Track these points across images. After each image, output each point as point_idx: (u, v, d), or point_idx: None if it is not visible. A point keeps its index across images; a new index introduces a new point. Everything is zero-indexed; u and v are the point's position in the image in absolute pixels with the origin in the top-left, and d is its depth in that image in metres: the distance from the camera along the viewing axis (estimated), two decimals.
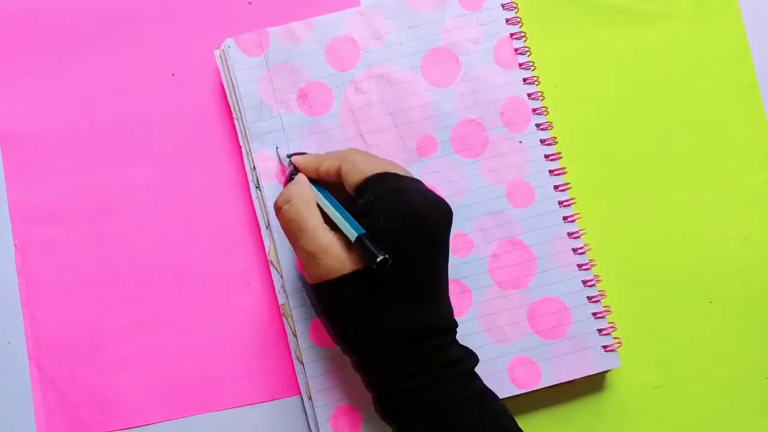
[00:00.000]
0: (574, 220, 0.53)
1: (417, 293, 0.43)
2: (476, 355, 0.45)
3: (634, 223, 0.55)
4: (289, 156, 0.50)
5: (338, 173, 0.46)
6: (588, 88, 0.56)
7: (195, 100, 0.54)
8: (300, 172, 0.48)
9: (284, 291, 0.52)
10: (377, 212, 0.43)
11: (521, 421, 0.45)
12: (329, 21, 0.53)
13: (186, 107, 0.54)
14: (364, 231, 0.42)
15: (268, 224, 0.52)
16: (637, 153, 0.56)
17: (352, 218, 0.43)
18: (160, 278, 0.53)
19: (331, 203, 0.45)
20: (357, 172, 0.45)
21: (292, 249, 0.51)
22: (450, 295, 0.46)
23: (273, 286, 0.52)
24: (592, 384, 0.54)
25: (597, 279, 0.53)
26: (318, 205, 0.46)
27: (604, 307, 0.53)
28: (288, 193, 0.46)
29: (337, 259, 0.43)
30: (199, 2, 0.55)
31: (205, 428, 0.52)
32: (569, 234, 0.53)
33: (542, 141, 0.53)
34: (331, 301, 0.44)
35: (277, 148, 0.52)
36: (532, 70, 0.54)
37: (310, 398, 0.51)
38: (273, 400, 0.53)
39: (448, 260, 0.45)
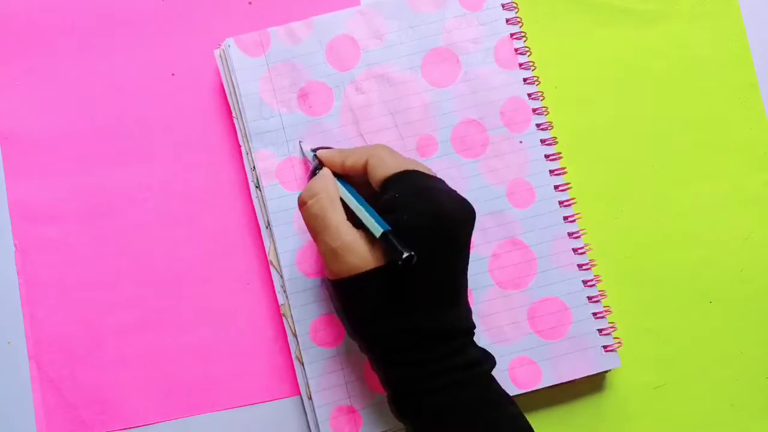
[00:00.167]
0: (574, 220, 0.53)
1: (438, 293, 0.43)
2: (493, 358, 0.45)
3: (634, 223, 0.55)
4: (314, 150, 0.50)
5: (364, 168, 0.46)
6: (588, 88, 0.56)
7: (195, 100, 0.54)
8: (324, 166, 0.48)
9: (284, 291, 0.52)
10: (402, 209, 0.43)
11: None
12: (329, 21, 0.53)
13: (186, 107, 0.54)
14: (389, 227, 0.42)
15: (268, 224, 0.52)
16: (637, 153, 0.56)
17: (377, 214, 0.43)
18: (160, 278, 0.53)
19: (355, 198, 0.45)
20: (383, 168, 0.45)
21: (291, 249, 0.51)
22: None
23: (273, 286, 0.52)
24: (592, 384, 0.54)
25: (597, 279, 0.53)
26: (341, 201, 0.45)
27: (604, 307, 0.53)
28: (313, 187, 0.45)
29: (360, 256, 0.43)
30: (199, 2, 0.55)
31: (205, 428, 0.52)
32: (569, 234, 0.53)
33: (542, 141, 0.53)
34: (351, 297, 0.44)
35: (300, 142, 0.52)
36: (532, 70, 0.54)
37: (309, 398, 0.51)
38: (273, 400, 0.53)
39: (468, 261, 0.45)
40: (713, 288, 0.55)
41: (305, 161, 0.52)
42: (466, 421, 0.42)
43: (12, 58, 0.54)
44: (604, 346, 0.52)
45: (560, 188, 0.53)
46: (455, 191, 0.45)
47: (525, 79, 0.54)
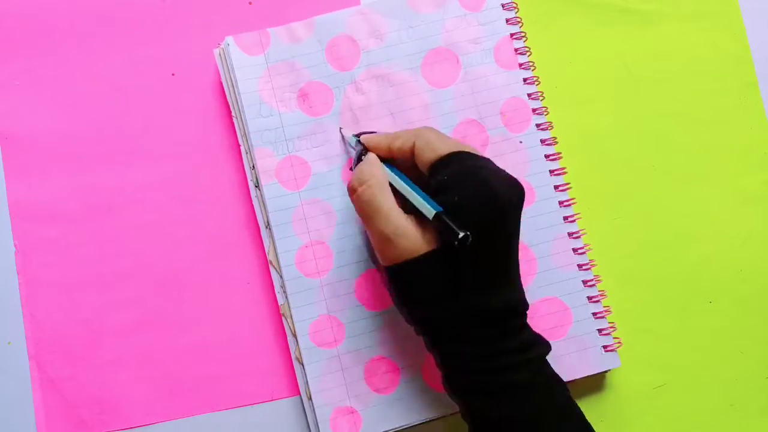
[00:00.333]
0: (574, 220, 0.53)
1: (493, 273, 0.43)
2: (548, 343, 0.45)
3: (634, 223, 0.55)
4: (356, 135, 0.50)
5: (411, 151, 0.46)
6: (588, 88, 0.56)
7: (195, 100, 0.54)
8: (369, 151, 0.48)
9: (284, 291, 0.52)
10: (453, 190, 0.42)
11: None
12: (329, 20, 0.53)
13: (186, 107, 0.54)
14: (441, 209, 0.42)
15: (268, 224, 0.52)
16: (637, 153, 0.56)
17: (428, 196, 0.43)
18: (160, 278, 0.53)
19: (404, 182, 0.45)
20: (432, 150, 0.45)
21: (291, 249, 0.51)
22: None
23: (273, 286, 0.52)
24: (592, 384, 0.54)
25: (597, 279, 0.53)
26: (390, 185, 0.45)
27: (604, 307, 0.53)
28: (361, 174, 0.45)
29: (413, 240, 0.43)
30: (199, 2, 0.55)
31: (205, 428, 0.52)
32: (569, 234, 0.53)
33: (542, 141, 0.53)
34: (406, 282, 0.44)
35: (341, 128, 0.52)
36: (532, 70, 0.54)
37: (309, 399, 0.51)
38: (273, 400, 0.53)
39: (518, 241, 0.45)
40: (713, 288, 0.55)
41: (347, 148, 0.52)
42: (521, 403, 0.42)
43: (12, 58, 0.54)
44: (604, 346, 0.52)
45: (560, 188, 0.53)
46: (504, 171, 0.45)
47: (525, 79, 0.54)
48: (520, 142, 0.53)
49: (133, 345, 0.52)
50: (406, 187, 0.44)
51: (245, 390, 0.52)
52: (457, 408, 0.50)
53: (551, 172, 0.53)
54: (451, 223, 0.41)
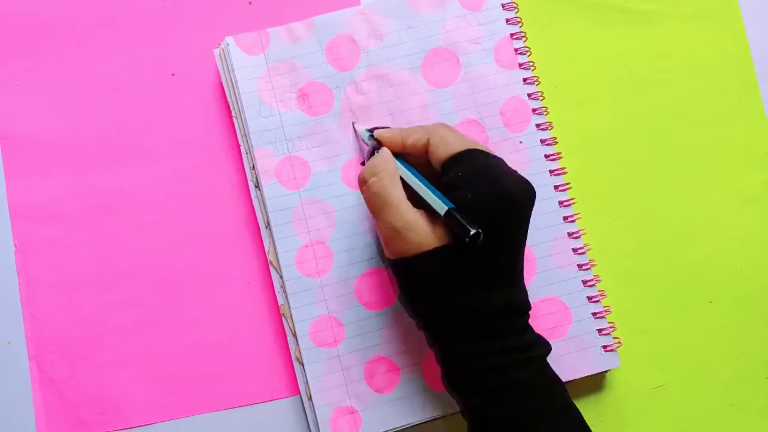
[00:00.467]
0: (574, 220, 0.53)
1: (499, 273, 0.43)
2: (549, 344, 0.45)
3: (634, 223, 0.55)
4: (370, 130, 0.50)
5: (425, 147, 0.46)
6: (588, 88, 0.56)
7: (195, 100, 0.54)
8: (383, 146, 0.48)
9: (284, 291, 0.52)
10: (466, 187, 0.42)
11: None
12: (329, 21, 0.53)
13: (186, 107, 0.54)
14: (453, 205, 0.42)
15: (268, 224, 0.52)
16: (637, 153, 0.56)
17: (439, 192, 0.43)
18: (160, 278, 0.53)
19: (417, 177, 0.45)
20: (446, 146, 0.45)
21: (291, 249, 0.51)
22: None
23: (273, 286, 0.52)
24: (592, 384, 0.54)
25: (597, 279, 0.53)
26: (401, 180, 0.45)
27: (604, 307, 0.53)
28: (373, 166, 0.45)
29: (422, 235, 0.43)
30: (199, 2, 0.55)
31: (205, 428, 0.52)
32: (569, 234, 0.53)
33: (542, 141, 0.53)
34: (413, 276, 0.44)
35: (353, 123, 0.52)
36: (532, 70, 0.54)
37: (309, 399, 0.51)
38: (273, 400, 0.53)
39: (526, 242, 0.45)
40: (713, 288, 0.55)
41: (361, 143, 0.52)
42: (520, 403, 0.42)
43: (12, 58, 0.54)
44: (604, 346, 0.52)
45: (560, 188, 0.53)
46: (516, 171, 0.45)
47: (525, 79, 0.54)
48: (520, 142, 0.53)
49: (133, 345, 0.52)
50: (418, 182, 0.44)
51: (245, 390, 0.52)
52: (457, 408, 0.50)
53: (551, 172, 0.53)
54: (462, 220, 0.41)
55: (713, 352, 0.54)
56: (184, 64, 0.55)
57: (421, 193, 0.44)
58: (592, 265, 0.53)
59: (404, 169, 0.46)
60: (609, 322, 0.52)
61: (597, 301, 0.52)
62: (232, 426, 0.52)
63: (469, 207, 0.42)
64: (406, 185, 0.45)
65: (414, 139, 0.47)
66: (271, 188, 0.52)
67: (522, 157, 0.53)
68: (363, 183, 0.46)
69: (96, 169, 0.54)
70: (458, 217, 0.41)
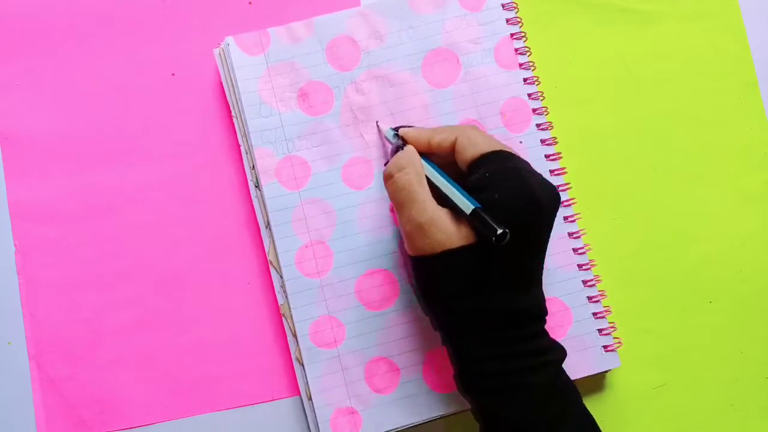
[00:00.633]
0: (574, 220, 0.53)
1: (520, 275, 0.43)
2: (565, 350, 0.45)
3: (634, 223, 0.55)
4: (394, 129, 0.50)
5: (451, 147, 0.46)
6: (588, 88, 0.56)
7: (195, 100, 0.54)
8: (407, 144, 0.48)
9: (284, 291, 0.52)
10: (493, 188, 0.42)
11: None
12: (329, 21, 0.53)
13: (186, 107, 0.54)
14: (480, 205, 0.42)
15: (268, 224, 0.52)
16: (637, 153, 0.56)
17: (465, 192, 0.43)
18: (160, 278, 0.53)
19: (442, 176, 0.45)
20: (473, 147, 0.45)
21: (291, 249, 0.51)
22: None
23: (273, 286, 0.52)
24: (592, 384, 0.54)
25: (597, 279, 0.53)
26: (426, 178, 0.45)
27: (604, 307, 0.53)
28: (400, 161, 0.45)
29: (446, 232, 0.42)
30: (199, 2, 0.55)
31: (205, 428, 0.52)
32: (569, 234, 0.53)
33: (542, 141, 0.53)
34: (435, 273, 0.43)
35: (377, 122, 0.52)
36: (532, 70, 0.54)
37: (309, 399, 0.51)
38: (273, 400, 0.53)
39: (547, 246, 0.45)
40: (713, 288, 0.55)
41: (385, 142, 0.52)
42: (535, 407, 0.42)
43: (12, 58, 0.54)
44: (604, 346, 0.52)
45: (560, 188, 0.53)
46: (541, 174, 0.45)
47: (525, 79, 0.54)
48: (520, 142, 0.53)
49: (133, 345, 0.52)
50: (444, 181, 0.44)
51: (245, 390, 0.52)
52: (457, 408, 0.50)
53: (551, 172, 0.53)
54: (489, 220, 0.41)
55: (713, 352, 0.54)
56: (184, 64, 0.55)
57: (447, 192, 0.44)
58: (592, 265, 0.53)
59: (429, 167, 0.46)
60: (609, 322, 0.52)
61: (597, 301, 0.52)
62: (232, 426, 0.52)
63: (496, 208, 0.42)
64: (430, 184, 0.45)
65: (440, 139, 0.46)
66: (271, 188, 0.52)
67: (522, 157, 0.53)
68: (389, 177, 0.45)
69: (96, 169, 0.54)
70: (485, 216, 0.41)
